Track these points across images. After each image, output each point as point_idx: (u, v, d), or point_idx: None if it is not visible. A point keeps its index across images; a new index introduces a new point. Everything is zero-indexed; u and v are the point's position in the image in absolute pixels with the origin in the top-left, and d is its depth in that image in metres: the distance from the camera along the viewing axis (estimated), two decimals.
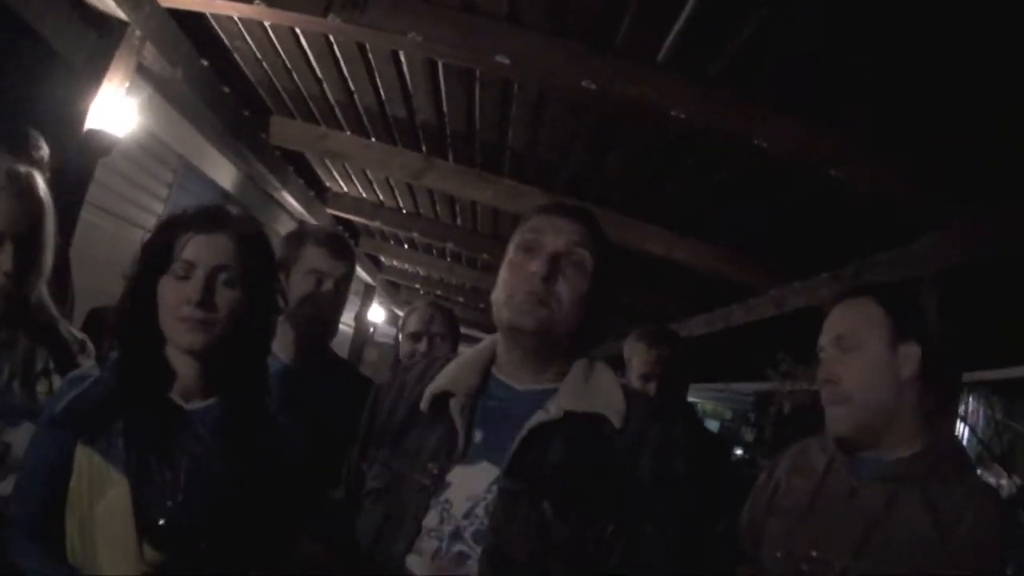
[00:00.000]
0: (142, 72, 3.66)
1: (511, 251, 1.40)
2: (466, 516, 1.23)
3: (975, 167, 2.92)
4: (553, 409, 1.27)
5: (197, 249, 1.36)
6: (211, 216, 1.42)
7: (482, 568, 1.17)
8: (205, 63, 4.14)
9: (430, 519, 1.24)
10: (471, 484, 1.25)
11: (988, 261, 3.26)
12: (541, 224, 1.39)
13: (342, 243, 2.18)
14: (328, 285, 2.08)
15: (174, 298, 1.34)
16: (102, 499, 1.25)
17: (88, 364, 1.44)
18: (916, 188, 3.18)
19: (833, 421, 1.60)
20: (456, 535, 1.21)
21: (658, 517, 1.23)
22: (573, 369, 1.35)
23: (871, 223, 3.72)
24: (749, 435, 11.57)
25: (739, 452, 9.52)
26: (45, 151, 1.65)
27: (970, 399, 6.44)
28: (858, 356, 1.58)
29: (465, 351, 1.48)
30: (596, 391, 1.32)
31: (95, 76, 3.30)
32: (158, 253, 1.37)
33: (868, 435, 1.57)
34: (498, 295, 1.36)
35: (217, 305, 1.35)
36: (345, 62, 3.97)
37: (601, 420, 1.28)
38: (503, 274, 1.38)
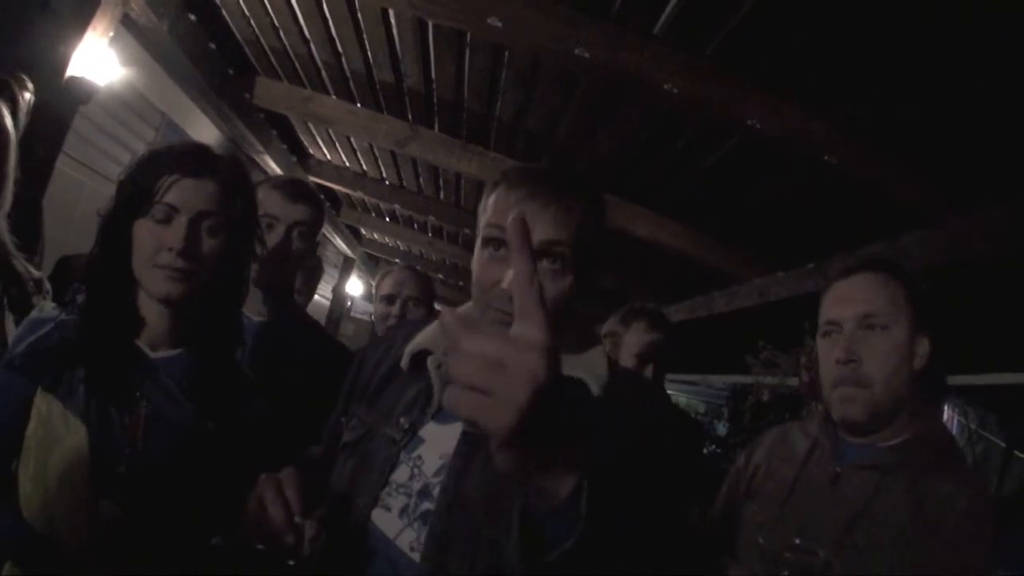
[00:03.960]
0: (127, 23, 3.59)
1: (479, 240, 1.25)
2: (436, 474, 1.18)
3: (971, 165, 2.88)
4: None
5: (181, 193, 1.28)
6: (197, 157, 1.34)
7: (439, 508, 1.13)
8: (192, 18, 4.02)
9: (400, 474, 1.20)
10: (445, 442, 1.20)
11: (969, 265, 3.25)
12: (509, 212, 1.17)
13: (300, 187, 2.05)
14: (279, 230, 1.95)
15: (152, 243, 1.27)
16: (59, 447, 1.18)
17: (50, 307, 1.38)
18: (908, 182, 3.15)
19: (846, 403, 1.52)
20: (425, 492, 1.17)
21: (628, 486, 1.13)
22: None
23: (859, 216, 3.69)
24: (722, 429, 11.55)
25: (712, 447, 9.48)
26: (28, 94, 1.56)
27: (945, 408, 6.47)
28: (885, 338, 1.51)
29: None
30: (582, 359, 1.26)
31: (79, 24, 3.22)
32: (137, 193, 1.29)
33: (877, 422, 1.52)
34: (473, 293, 1.27)
35: (198, 254, 1.29)
36: (334, 21, 3.87)
37: (580, 385, 1.21)
38: (474, 270, 1.25)
